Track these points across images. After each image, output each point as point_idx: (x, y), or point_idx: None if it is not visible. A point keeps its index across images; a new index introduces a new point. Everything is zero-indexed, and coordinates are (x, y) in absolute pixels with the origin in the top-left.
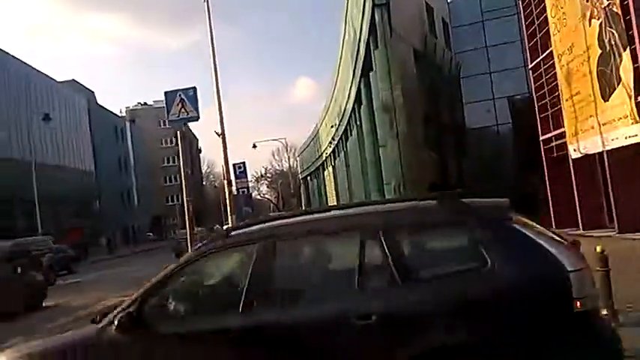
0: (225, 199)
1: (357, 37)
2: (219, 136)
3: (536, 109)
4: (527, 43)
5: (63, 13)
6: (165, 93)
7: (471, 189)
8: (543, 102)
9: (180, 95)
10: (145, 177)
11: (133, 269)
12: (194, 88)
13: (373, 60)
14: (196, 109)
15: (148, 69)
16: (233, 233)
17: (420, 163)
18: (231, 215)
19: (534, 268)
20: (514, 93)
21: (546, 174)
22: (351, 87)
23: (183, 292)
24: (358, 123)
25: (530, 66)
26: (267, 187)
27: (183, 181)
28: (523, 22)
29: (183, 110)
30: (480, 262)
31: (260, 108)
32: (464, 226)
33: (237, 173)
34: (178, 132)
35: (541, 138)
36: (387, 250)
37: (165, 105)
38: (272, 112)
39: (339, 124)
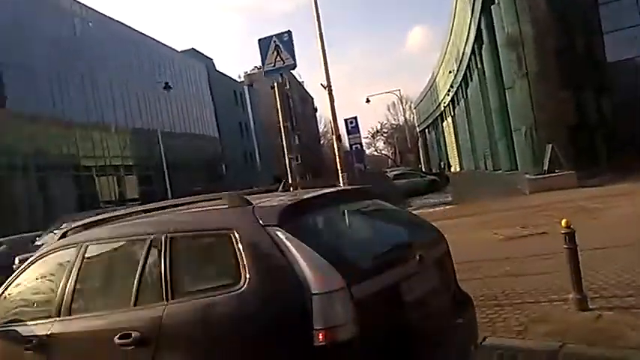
0: (336, 156)
1: None
2: (325, 88)
3: None
4: None
5: None
6: (259, 41)
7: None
8: None
9: (274, 41)
10: (264, 138)
11: None
12: (289, 32)
13: None
14: (293, 56)
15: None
16: (69, 234)
17: (554, 103)
18: (341, 173)
19: (274, 288)
20: None
21: None
22: (470, 26)
23: (15, 298)
24: (479, 66)
25: None
26: (384, 142)
27: (283, 138)
28: None
29: (279, 58)
30: (234, 279)
31: (374, 62)
32: (227, 234)
33: (350, 128)
34: (275, 84)
35: None
36: (164, 261)
37: (260, 55)
38: (386, 65)
39: (458, 70)
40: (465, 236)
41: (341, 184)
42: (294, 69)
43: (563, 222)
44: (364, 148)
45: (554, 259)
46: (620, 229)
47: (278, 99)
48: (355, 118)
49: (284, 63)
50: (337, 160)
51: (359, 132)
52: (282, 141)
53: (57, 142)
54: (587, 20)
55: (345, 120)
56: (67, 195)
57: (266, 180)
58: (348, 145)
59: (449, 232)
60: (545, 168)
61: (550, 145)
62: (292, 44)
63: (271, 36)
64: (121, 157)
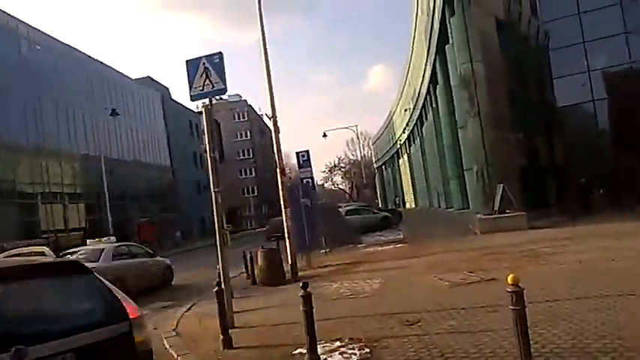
0: (279, 190)
1: (431, 8)
2: (269, 119)
3: None
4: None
5: (138, 14)
6: (187, 62)
7: (562, 171)
8: None
9: (203, 63)
10: (220, 170)
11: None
12: (220, 54)
13: (449, 30)
14: (223, 80)
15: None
16: None
17: (505, 144)
18: (284, 208)
19: None
20: (610, 64)
21: None
22: (425, 67)
23: None
24: (434, 105)
25: None
26: (342, 177)
27: (210, 169)
28: None
29: (207, 82)
30: None
31: (335, 98)
32: None
33: (301, 162)
34: (203, 110)
35: None
36: None
37: (187, 77)
38: (346, 101)
39: (414, 108)
40: (412, 280)
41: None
42: (223, 94)
43: (510, 278)
44: (321, 182)
45: (501, 311)
46: (571, 278)
47: (205, 124)
48: (307, 151)
49: (213, 87)
50: (280, 194)
51: (310, 166)
52: (242, 174)
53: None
54: (538, 65)
55: (297, 153)
56: (9, 222)
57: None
58: (300, 178)
59: (398, 275)
60: (496, 208)
61: (501, 186)
62: (223, 67)
63: (200, 57)
64: (66, 184)
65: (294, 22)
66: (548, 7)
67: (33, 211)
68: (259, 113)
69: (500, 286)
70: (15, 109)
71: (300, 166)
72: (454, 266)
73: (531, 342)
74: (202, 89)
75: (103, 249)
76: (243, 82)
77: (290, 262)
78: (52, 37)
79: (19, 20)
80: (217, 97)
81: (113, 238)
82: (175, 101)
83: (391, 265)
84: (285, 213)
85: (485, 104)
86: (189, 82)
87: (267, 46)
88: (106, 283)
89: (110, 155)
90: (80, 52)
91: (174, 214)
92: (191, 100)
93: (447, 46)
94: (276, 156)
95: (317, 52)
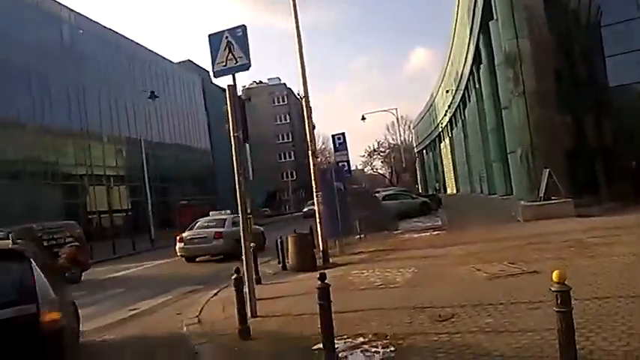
0: (310, 173)
1: None
2: (301, 98)
3: None
4: None
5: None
6: (210, 36)
7: (612, 155)
8: None
9: (226, 37)
10: (259, 154)
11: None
12: (243, 27)
13: (494, 5)
14: (247, 55)
15: (265, 48)
16: None
17: (552, 126)
18: (316, 192)
19: None
20: None
21: None
22: (468, 46)
23: None
24: (477, 86)
25: None
26: (382, 162)
27: (233, 150)
28: None
29: (231, 57)
30: None
31: (376, 81)
32: None
33: (337, 145)
34: (227, 88)
35: None
36: None
37: (210, 52)
38: (388, 84)
39: (456, 91)
40: (447, 270)
41: (315, 205)
42: (247, 69)
43: (555, 274)
44: (360, 167)
45: (543, 309)
46: (622, 271)
47: (228, 102)
48: (343, 134)
49: (236, 62)
50: (312, 177)
51: (347, 149)
52: (282, 158)
53: (44, 151)
54: (588, 42)
55: (333, 136)
56: (54, 203)
57: (259, 195)
58: (335, 161)
59: (433, 265)
60: (542, 194)
61: (547, 170)
62: (247, 41)
63: (223, 31)
64: (108, 167)
65: (334, 7)
66: None
67: (78, 193)
68: (298, 97)
69: (543, 280)
70: (58, 94)
71: (336, 149)
72: (493, 256)
73: (577, 347)
74: (225, 65)
75: (225, 219)
76: (283, 67)
77: (322, 247)
78: (94, 21)
79: (62, 4)
80: (258, 81)
81: (228, 211)
82: (216, 85)
83: (427, 253)
84: (317, 197)
85: (530, 83)
86: (212, 58)
87: (302, 30)
88: (37, 270)
89: (152, 139)
90: (121, 35)
91: (214, 197)
92: (214, 76)
93: (490, 22)
94: (308, 137)
95: (357, 36)
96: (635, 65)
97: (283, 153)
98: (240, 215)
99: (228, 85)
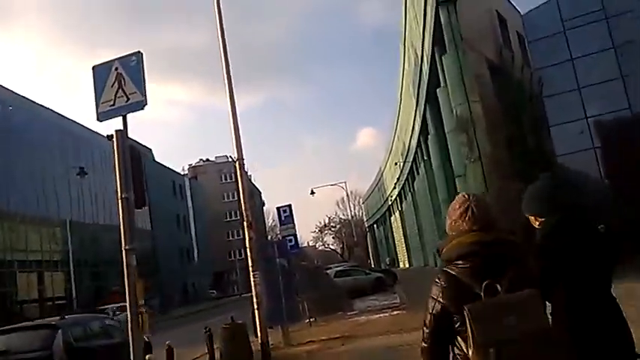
0: (247, 248)
1: (420, 54)
2: (234, 162)
3: None
4: None
5: None
6: (94, 69)
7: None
8: None
9: (116, 69)
10: (205, 233)
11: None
12: (138, 55)
13: (441, 73)
14: (141, 90)
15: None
16: None
17: (508, 194)
18: (252, 271)
19: None
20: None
21: None
22: (415, 117)
23: None
24: (425, 158)
25: None
26: (333, 237)
27: (121, 217)
28: None
29: (121, 94)
30: None
31: (325, 159)
32: None
33: (283, 218)
34: (115, 134)
35: None
36: None
37: (94, 89)
38: (336, 162)
39: (404, 164)
40: None
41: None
42: (142, 108)
43: None
44: (312, 243)
45: None
46: None
47: (116, 155)
48: (289, 206)
49: (128, 100)
50: (249, 253)
51: (293, 222)
52: (230, 237)
53: None
54: (534, 112)
55: (278, 208)
56: None
57: (204, 276)
58: (280, 236)
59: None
60: None
61: None
62: (142, 72)
63: (112, 60)
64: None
65: (285, 89)
66: (539, 53)
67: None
68: (248, 174)
69: None
70: None
71: (281, 222)
72: None
73: None
74: (114, 104)
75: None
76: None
77: (260, 338)
78: (24, 97)
79: None
80: (205, 159)
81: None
82: (158, 162)
83: (391, 341)
84: (254, 277)
85: (485, 148)
86: (95, 96)
87: (236, 99)
88: None
89: (82, 219)
90: (52, 111)
91: (155, 279)
92: (97, 119)
93: (438, 89)
94: (243, 206)
95: (307, 116)
96: (577, 135)
97: (231, 231)
98: (128, 311)
99: (117, 131)
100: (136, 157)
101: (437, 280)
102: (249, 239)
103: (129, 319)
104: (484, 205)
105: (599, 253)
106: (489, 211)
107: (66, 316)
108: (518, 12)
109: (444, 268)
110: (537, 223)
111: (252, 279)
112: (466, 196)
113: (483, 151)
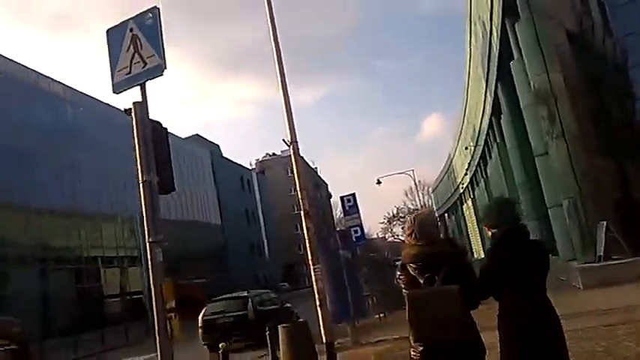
0: (305, 239)
1: (488, 28)
2: (288, 145)
3: None
4: None
5: (199, 84)
6: (108, 32)
7: None
8: None
9: (131, 30)
10: (274, 226)
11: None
12: (155, 10)
13: (514, 43)
14: (160, 52)
15: (278, 123)
16: None
17: (596, 173)
18: (313, 265)
19: None
20: None
21: None
22: (485, 98)
23: None
24: (498, 140)
25: None
26: (402, 228)
27: (142, 202)
28: None
29: (137, 59)
30: None
31: (392, 149)
32: None
33: (347, 208)
34: (133, 107)
35: None
36: None
37: (108, 58)
38: (402, 152)
39: (475, 148)
40: None
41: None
42: (162, 74)
43: None
44: (381, 235)
45: None
46: None
47: (135, 132)
48: (353, 194)
49: (145, 65)
50: (307, 245)
51: (358, 212)
52: (299, 230)
53: (55, 233)
54: (618, 84)
55: (342, 197)
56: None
57: (275, 269)
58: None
59: None
60: (600, 253)
61: (604, 224)
62: (160, 30)
63: (126, 21)
64: (124, 247)
65: (350, 80)
66: (621, 20)
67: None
68: (313, 167)
69: None
70: (65, 174)
71: (345, 212)
72: (574, 348)
73: None
74: (130, 71)
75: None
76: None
77: (325, 339)
78: (94, 98)
79: (62, 83)
80: (271, 153)
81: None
82: (226, 158)
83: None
84: (315, 271)
85: (570, 122)
86: (110, 64)
87: (288, 87)
88: None
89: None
90: (118, 109)
91: (226, 274)
92: (113, 91)
93: (512, 62)
94: (299, 193)
95: (372, 107)
96: None
97: (299, 224)
98: (154, 311)
99: (134, 103)
100: (159, 133)
101: (399, 273)
102: (307, 230)
103: (156, 325)
104: (427, 223)
105: (536, 260)
106: (430, 229)
107: (250, 291)
108: None
109: (404, 266)
110: (490, 233)
111: (312, 273)
112: (412, 220)
113: (567, 126)
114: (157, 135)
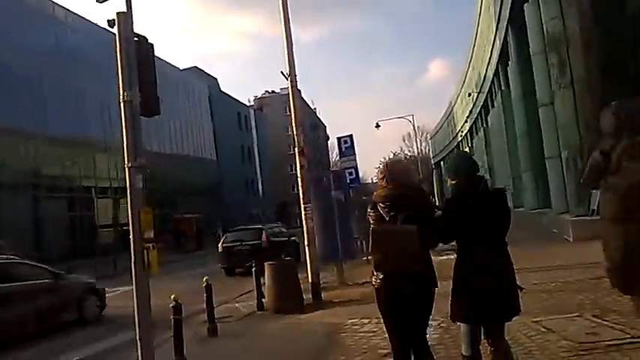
0: (297, 178)
1: None
2: (286, 77)
3: None
4: None
5: (200, 15)
6: None
7: None
8: None
9: None
10: (270, 165)
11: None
12: None
13: None
14: None
15: (279, 60)
16: None
17: (600, 125)
18: (304, 204)
19: None
20: None
21: None
22: (493, 43)
23: None
24: (503, 88)
25: None
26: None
27: (123, 123)
28: None
29: None
30: None
31: (393, 92)
32: None
33: (344, 149)
34: (117, 17)
35: None
36: None
37: None
38: (403, 96)
39: (478, 95)
40: None
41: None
42: None
43: None
44: (376, 180)
45: None
46: None
47: (118, 46)
48: (350, 136)
49: None
50: (299, 184)
51: (354, 154)
52: (294, 170)
53: (49, 162)
54: (634, 37)
55: (339, 138)
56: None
57: (268, 207)
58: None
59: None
60: (595, 207)
61: None
62: None
63: None
64: (116, 179)
65: (353, 18)
66: None
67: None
68: (312, 107)
69: None
70: (59, 100)
71: (342, 154)
72: (562, 299)
73: None
74: None
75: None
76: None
77: (310, 279)
78: (94, 23)
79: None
80: (270, 91)
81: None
82: (224, 93)
83: (450, 283)
84: (305, 211)
85: (580, 71)
86: None
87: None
88: None
89: (150, 149)
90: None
91: (219, 210)
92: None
93: (526, 4)
94: (294, 128)
95: (375, 48)
96: None
97: (295, 164)
98: (131, 244)
99: (118, 13)
100: (144, 48)
101: (370, 210)
102: (301, 167)
103: (132, 255)
104: (397, 170)
105: (492, 209)
106: (400, 174)
107: (265, 224)
108: None
109: (375, 205)
110: (450, 183)
111: (302, 212)
112: (385, 166)
113: (576, 75)
114: (142, 50)
